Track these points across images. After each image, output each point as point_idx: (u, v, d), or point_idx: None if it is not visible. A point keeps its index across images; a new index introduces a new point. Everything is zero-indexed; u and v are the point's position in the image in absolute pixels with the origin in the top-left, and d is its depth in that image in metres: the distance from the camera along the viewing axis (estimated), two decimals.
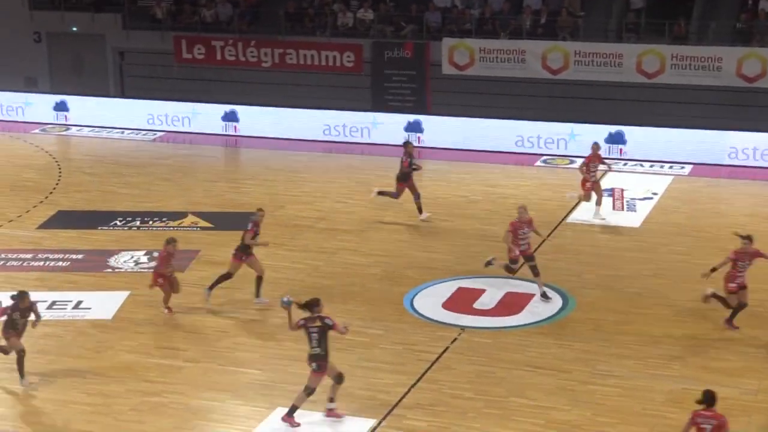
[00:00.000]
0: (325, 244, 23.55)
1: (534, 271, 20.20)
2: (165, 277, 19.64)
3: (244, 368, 17.82)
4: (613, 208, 26.24)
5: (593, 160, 24.76)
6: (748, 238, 18.92)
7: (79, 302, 20.39)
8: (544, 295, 20.18)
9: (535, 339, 18.81)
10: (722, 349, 18.31)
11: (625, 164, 29.91)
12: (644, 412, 16.20)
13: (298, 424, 15.78)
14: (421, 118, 32.46)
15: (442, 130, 32.07)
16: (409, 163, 24.71)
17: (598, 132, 30.68)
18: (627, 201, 26.62)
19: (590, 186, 24.78)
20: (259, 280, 20.11)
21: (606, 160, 25.62)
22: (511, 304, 20.22)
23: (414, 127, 32.34)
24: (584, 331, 19.15)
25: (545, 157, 30.84)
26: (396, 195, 25.02)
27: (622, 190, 27.32)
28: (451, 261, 22.59)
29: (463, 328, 19.18)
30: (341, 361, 17.84)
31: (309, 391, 15.81)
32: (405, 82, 33.94)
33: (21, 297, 17.14)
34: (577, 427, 15.80)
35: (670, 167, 29.61)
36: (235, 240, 20.24)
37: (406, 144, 25.18)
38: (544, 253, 22.64)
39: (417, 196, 24.87)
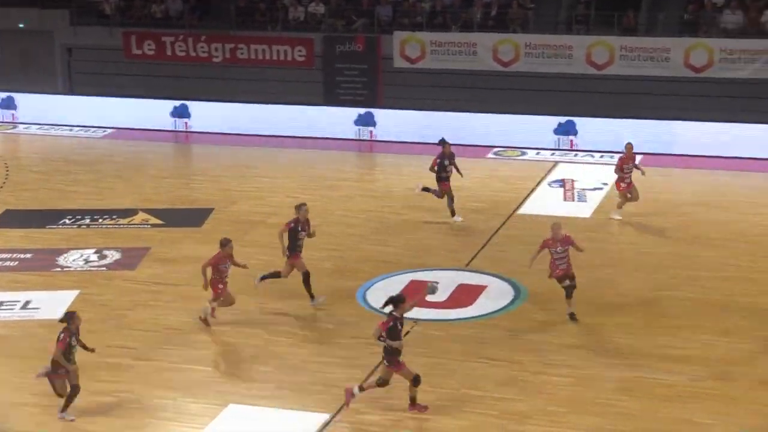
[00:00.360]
0: (277, 240, 23.41)
1: (568, 292, 19.06)
2: (225, 284, 18.76)
3: (195, 365, 17.71)
4: (564, 198, 26.39)
5: (626, 161, 24.07)
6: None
7: (27, 302, 20.16)
8: (571, 316, 19.06)
9: (488, 330, 18.84)
10: (672, 336, 18.42)
11: (575, 155, 30.06)
12: (596, 401, 16.26)
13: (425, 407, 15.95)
14: (374, 111, 32.48)
15: (394, 124, 32.07)
16: (438, 164, 24.24)
17: (549, 123, 30.85)
18: (578, 191, 26.75)
19: (625, 187, 24.08)
20: (306, 278, 19.72)
21: (639, 163, 24.46)
22: (464, 296, 20.25)
23: (366, 121, 32.36)
24: (536, 321, 19.22)
25: (496, 149, 30.91)
26: (439, 194, 24.42)
27: (573, 181, 27.46)
28: (404, 254, 22.59)
29: (415, 320, 19.17)
30: (295, 357, 17.90)
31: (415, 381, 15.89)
32: (357, 76, 33.89)
33: (71, 318, 15.88)
34: (529, 417, 15.84)
35: (611, 157, 29.67)
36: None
37: (444, 143, 24.41)
38: (497, 245, 22.73)
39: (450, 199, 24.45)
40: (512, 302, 20.02)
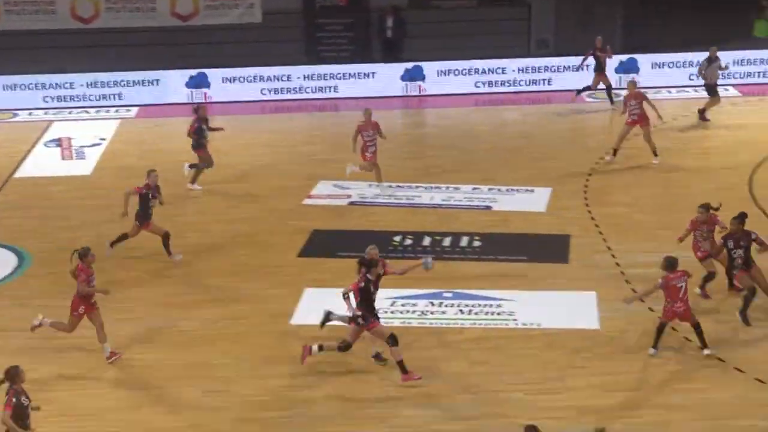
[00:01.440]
0: None
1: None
2: (89, 304, 16.25)
3: None
4: (62, 157, 25.93)
5: (365, 128, 22.34)
6: (705, 207, 17.63)
7: None
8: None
9: None
10: (182, 284, 18.70)
11: (70, 112, 29.48)
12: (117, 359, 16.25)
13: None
14: None
15: None
16: (197, 128, 22.62)
17: (30, 82, 29.75)
18: (75, 149, 26.37)
19: (370, 156, 22.49)
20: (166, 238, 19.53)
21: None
22: None
23: None
24: (43, 286, 18.82)
25: None
26: (204, 165, 22.94)
27: (70, 139, 27.00)
28: None
29: None
30: None
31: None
32: None
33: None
34: (45, 384, 15.50)
35: (116, 111, 29.60)
36: None
37: (198, 108, 23.06)
38: None
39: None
40: (15, 270, 19.43)
